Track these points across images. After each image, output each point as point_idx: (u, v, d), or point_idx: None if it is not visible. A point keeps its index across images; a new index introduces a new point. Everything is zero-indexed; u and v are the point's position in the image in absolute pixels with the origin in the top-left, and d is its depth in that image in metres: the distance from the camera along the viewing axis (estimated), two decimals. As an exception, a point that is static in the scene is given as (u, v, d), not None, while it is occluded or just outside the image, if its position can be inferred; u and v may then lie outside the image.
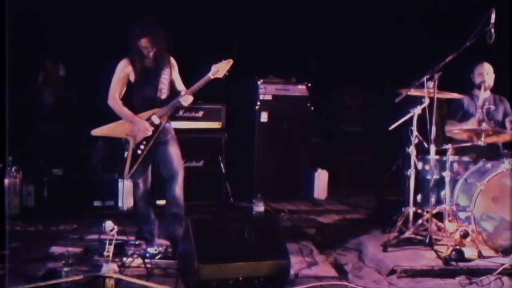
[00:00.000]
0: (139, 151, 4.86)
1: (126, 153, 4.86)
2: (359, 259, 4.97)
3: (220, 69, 4.85)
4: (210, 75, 4.85)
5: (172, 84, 5.03)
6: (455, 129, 5.34)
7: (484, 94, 5.67)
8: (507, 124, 5.65)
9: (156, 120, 4.87)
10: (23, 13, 6.94)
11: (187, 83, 5.01)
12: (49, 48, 7.34)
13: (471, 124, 5.53)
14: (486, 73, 5.68)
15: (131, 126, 4.85)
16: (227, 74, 4.88)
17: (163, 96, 4.95)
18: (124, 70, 4.89)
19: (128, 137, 4.87)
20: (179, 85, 5.05)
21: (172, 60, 5.03)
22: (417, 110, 5.06)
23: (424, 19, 7.85)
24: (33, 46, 7.17)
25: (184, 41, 6.73)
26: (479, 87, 5.66)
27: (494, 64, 5.74)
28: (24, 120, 7.08)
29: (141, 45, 4.80)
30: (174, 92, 5.03)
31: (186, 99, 4.88)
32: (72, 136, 6.85)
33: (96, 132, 4.90)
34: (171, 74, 5.00)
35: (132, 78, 4.90)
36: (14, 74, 7.15)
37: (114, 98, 4.87)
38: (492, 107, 5.73)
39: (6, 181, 5.98)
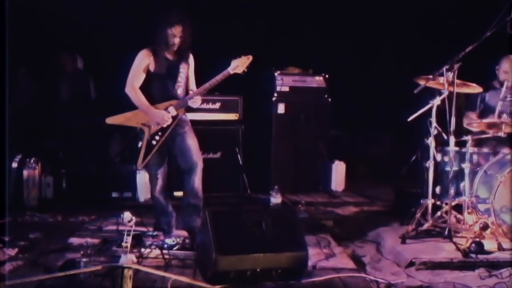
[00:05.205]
0: (154, 142, 4.85)
1: (140, 143, 4.86)
2: (377, 251, 4.94)
3: (239, 64, 4.83)
4: (230, 70, 4.82)
5: (186, 80, 5.01)
6: (474, 123, 5.26)
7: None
8: None
9: (173, 111, 4.85)
10: (40, 6, 7.00)
11: (204, 77, 4.96)
12: (65, 41, 7.38)
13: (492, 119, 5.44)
14: None
15: (146, 116, 4.84)
16: (246, 70, 4.85)
17: (180, 90, 4.94)
18: (144, 60, 4.85)
19: (143, 127, 4.86)
20: (191, 84, 5.06)
21: (191, 57, 5.02)
22: (436, 101, 5.00)
23: (446, 10, 7.74)
24: (49, 39, 7.22)
25: (201, 31, 6.72)
26: (501, 84, 5.53)
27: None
28: (43, 112, 7.15)
29: (171, 32, 4.75)
30: (185, 90, 5.04)
31: (196, 100, 4.89)
32: (90, 128, 6.89)
33: (111, 120, 4.87)
34: (188, 70, 4.99)
35: (152, 68, 4.86)
36: (31, 67, 7.24)
37: (132, 86, 4.83)
38: None
39: (25, 172, 6.04)
